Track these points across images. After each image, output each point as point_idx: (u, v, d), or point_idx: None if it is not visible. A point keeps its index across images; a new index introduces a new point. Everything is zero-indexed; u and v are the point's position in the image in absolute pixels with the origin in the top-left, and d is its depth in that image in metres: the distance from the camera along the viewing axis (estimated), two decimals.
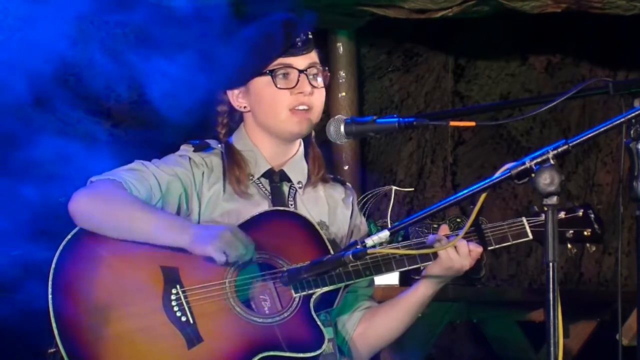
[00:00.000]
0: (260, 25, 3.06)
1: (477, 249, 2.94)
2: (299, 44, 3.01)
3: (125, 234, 2.86)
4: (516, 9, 5.02)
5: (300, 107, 3.00)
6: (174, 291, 2.85)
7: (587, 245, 3.00)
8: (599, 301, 5.28)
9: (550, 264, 2.38)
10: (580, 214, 3.00)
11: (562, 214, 2.95)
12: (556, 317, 2.36)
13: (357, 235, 3.15)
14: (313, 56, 3.04)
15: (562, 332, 2.37)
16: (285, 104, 3.00)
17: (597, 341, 5.09)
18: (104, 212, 2.87)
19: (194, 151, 3.05)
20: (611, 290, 6.02)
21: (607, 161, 6.23)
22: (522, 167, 2.46)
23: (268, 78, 3.01)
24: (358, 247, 2.67)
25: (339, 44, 5.72)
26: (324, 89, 3.05)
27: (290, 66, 3.00)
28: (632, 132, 2.51)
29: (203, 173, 3.01)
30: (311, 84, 3.01)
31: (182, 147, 3.08)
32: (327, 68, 3.07)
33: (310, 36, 3.04)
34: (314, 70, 3.03)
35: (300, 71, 3.00)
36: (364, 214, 4.62)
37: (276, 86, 3.00)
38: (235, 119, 3.12)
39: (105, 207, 2.87)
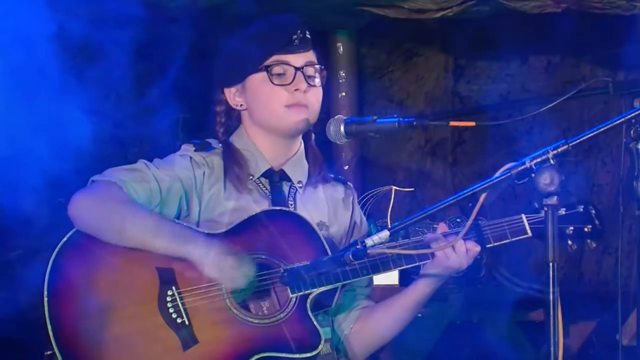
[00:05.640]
0: (256, 24, 3.06)
1: (474, 248, 2.92)
2: (295, 42, 3.00)
3: (124, 240, 2.83)
4: (516, 9, 5.02)
5: (296, 104, 2.99)
6: (169, 292, 2.84)
7: (588, 241, 2.99)
8: (599, 301, 5.28)
9: (550, 264, 2.38)
10: (581, 209, 2.98)
11: (562, 211, 2.93)
12: (556, 317, 2.36)
13: (357, 235, 3.15)
14: (310, 55, 3.04)
15: (562, 332, 2.37)
16: (281, 101, 2.99)
17: (597, 341, 5.09)
18: (104, 217, 2.85)
19: (195, 150, 3.04)
20: (611, 290, 6.01)
21: (607, 161, 6.21)
22: (522, 167, 2.46)
23: (264, 75, 3.00)
24: (358, 247, 2.67)
25: (339, 44, 5.72)
26: (320, 88, 3.05)
27: (286, 63, 3.00)
28: (632, 132, 2.51)
29: (204, 173, 3.00)
30: (307, 82, 3.01)
31: (183, 146, 3.07)
32: (323, 67, 3.07)
33: (308, 36, 3.03)
34: (311, 70, 3.03)
35: (297, 69, 3.00)
36: (364, 214, 4.62)
37: (272, 83, 2.99)
38: (233, 118, 3.11)
39: (105, 212, 2.86)
